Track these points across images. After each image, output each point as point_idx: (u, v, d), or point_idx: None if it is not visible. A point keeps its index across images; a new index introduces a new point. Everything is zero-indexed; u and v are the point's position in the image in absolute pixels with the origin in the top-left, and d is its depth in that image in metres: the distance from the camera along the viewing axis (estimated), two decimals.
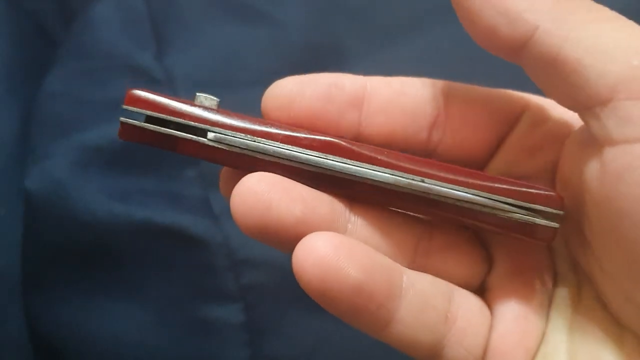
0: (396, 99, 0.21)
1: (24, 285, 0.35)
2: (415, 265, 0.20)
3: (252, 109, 0.35)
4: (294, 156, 0.19)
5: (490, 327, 0.20)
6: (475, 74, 0.37)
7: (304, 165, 0.19)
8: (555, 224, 0.19)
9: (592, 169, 0.18)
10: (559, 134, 0.21)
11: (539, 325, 0.20)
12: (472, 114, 0.22)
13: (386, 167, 0.19)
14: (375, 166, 0.19)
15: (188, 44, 0.36)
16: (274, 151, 0.19)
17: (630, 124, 0.16)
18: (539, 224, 0.19)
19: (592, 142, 0.18)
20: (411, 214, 0.21)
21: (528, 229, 0.19)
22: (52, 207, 0.33)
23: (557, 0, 0.17)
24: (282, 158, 0.19)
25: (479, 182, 0.19)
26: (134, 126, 0.19)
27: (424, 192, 0.19)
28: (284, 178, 0.19)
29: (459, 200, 0.19)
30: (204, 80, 0.35)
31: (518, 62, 0.19)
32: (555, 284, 0.21)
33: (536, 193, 0.19)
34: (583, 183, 0.18)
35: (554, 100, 0.19)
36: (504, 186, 0.19)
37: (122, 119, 0.19)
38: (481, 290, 0.21)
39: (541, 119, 0.22)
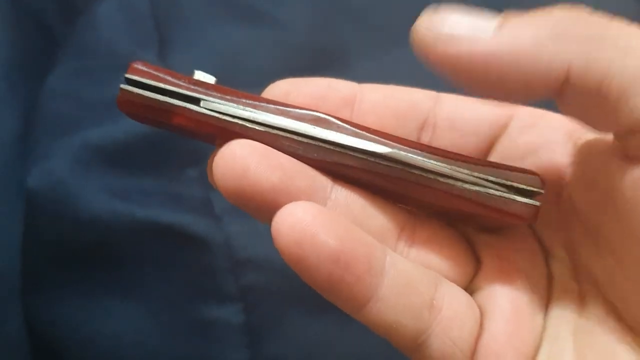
0: (386, 101, 0.21)
1: (23, 284, 0.35)
2: (397, 252, 0.20)
3: None
4: (283, 125, 0.19)
5: (481, 327, 0.20)
6: None
7: (293, 135, 0.19)
8: (536, 202, 0.19)
9: (628, 179, 0.17)
10: (550, 137, 0.21)
11: (532, 327, 0.20)
12: (460, 120, 0.22)
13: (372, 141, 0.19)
14: (361, 139, 0.19)
15: (191, 44, 0.36)
16: (263, 119, 0.19)
17: None
18: (519, 201, 0.19)
19: (626, 155, 0.18)
20: (394, 203, 0.21)
21: (508, 206, 0.19)
22: (53, 206, 0.33)
23: (581, 30, 0.17)
24: (272, 127, 0.19)
25: (459, 158, 0.19)
26: (132, 93, 0.19)
27: (405, 165, 0.19)
28: (267, 146, 0.19)
29: (439, 175, 0.19)
30: None
31: (557, 100, 0.18)
32: (553, 289, 0.21)
33: (515, 172, 0.19)
34: (613, 191, 0.18)
35: (591, 128, 0.19)
36: (483, 164, 0.19)
37: (122, 85, 0.20)
38: (470, 291, 0.21)
39: (530, 124, 0.22)
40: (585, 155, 0.20)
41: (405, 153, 0.19)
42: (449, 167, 0.19)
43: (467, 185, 0.19)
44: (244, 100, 0.20)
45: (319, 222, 0.17)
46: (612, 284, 0.19)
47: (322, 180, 0.19)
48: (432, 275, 0.20)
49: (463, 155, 0.20)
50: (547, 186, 0.20)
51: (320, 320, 0.32)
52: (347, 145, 0.19)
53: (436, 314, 0.19)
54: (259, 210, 0.18)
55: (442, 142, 0.21)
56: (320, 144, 0.19)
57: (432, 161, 0.19)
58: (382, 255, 0.19)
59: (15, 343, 0.35)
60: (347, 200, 0.20)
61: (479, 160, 0.20)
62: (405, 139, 0.20)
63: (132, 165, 0.33)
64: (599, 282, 0.20)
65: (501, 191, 0.19)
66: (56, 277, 0.34)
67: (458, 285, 0.21)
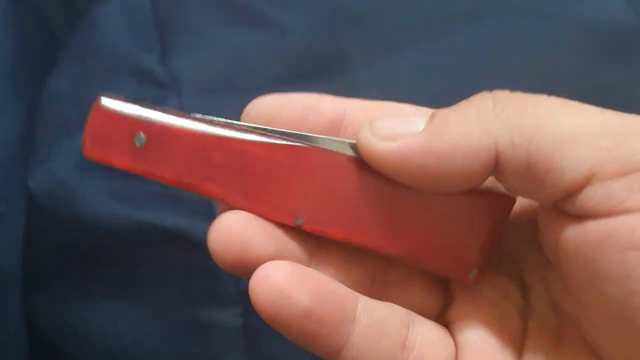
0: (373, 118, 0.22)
1: (23, 284, 0.35)
2: (371, 295, 0.21)
3: None
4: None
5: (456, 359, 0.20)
6: (477, 82, 0.38)
7: None
8: (465, 281, 0.20)
9: (571, 235, 0.18)
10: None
11: (507, 358, 0.20)
12: None
13: None
14: None
15: (193, 47, 0.36)
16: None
17: (612, 199, 0.17)
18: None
19: (566, 214, 0.18)
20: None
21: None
22: (55, 207, 0.33)
23: (500, 110, 0.18)
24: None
25: (395, 256, 0.20)
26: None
27: None
28: (255, 217, 0.19)
29: None
30: (208, 84, 0.35)
31: (497, 178, 0.19)
32: (530, 320, 0.21)
33: (447, 263, 0.20)
34: (561, 246, 0.18)
35: (535, 200, 0.19)
36: (417, 251, 0.20)
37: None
38: (445, 322, 0.21)
39: None
40: (542, 207, 0.21)
41: None
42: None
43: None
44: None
45: (293, 281, 0.18)
46: (582, 322, 0.20)
47: (308, 242, 0.20)
48: (404, 314, 0.20)
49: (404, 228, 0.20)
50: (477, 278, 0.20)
51: None
52: None
53: (409, 353, 0.20)
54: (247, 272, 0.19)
55: None
56: None
57: None
58: (354, 303, 0.19)
59: (14, 343, 0.35)
60: (328, 257, 0.21)
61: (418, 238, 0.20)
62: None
63: None
64: (571, 318, 0.20)
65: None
66: (56, 278, 0.34)
67: (429, 316, 0.21)
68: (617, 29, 0.37)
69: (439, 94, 0.36)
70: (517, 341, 0.21)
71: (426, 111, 0.22)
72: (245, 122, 0.21)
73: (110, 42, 0.37)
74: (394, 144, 0.18)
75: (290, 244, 0.20)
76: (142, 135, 0.19)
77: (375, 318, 0.19)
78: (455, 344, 0.21)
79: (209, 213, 0.32)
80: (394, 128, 0.19)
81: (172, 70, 0.35)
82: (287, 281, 0.18)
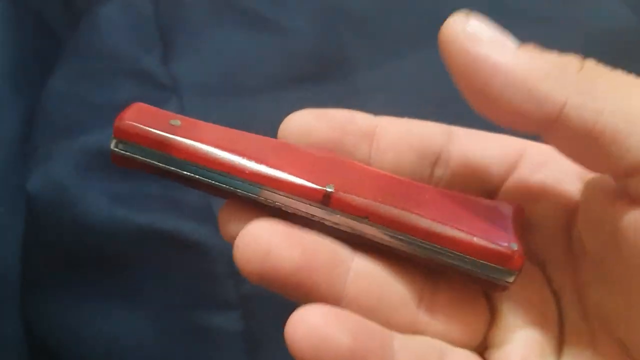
0: (404, 136, 0.22)
1: (22, 286, 0.35)
2: (418, 320, 0.20)
3: (256, 115, 0.35)
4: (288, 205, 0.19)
5: None
6: None
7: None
8: (507, 281, 0.19)
9: (631, 220, 0.18)
10: (560, 177, 0.21)
11: None
12: (472, 156, 0.22)
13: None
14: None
15: (195, 49, 0.36)
16: (258, 195, 0.19)
17: None
18: (488, 280, 0.19)
19: (628, 197, 0.18)
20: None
21: (477, 280, 0.19)
22: (53, 209, 0.33)
23: (582, 73, 0.18)
24: (272, 205, 0.19)
25: (429, 226, 0.19)
26: (124, 155, 0.19)
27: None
28: (286, 224, 0.19)
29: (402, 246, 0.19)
30: (209, 86, 0.35)
31: (546, 137, 0.19)
32: (565, 331, 0.21)
33: (492, 249, 0.19)
34: (618, 232, 0.18)
35: (587, 169, 0.19)
36: (458, 235, 0.19)
37: (112, 147, 0.19)
38: (484, 347, 0.21)
39: (540, 162, 0.22)
40: (592, 195, 0.20)
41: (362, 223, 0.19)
42: (411, 242, 0.19)
43: (450, 262, 0.19)
44: (246, 171, 0.19)
45: (331, 323, 0.18)
46: (622, 323, 0.19)
47: (343, 252, 0.20)
48: (439, 348, 0.20)
49: (440, 212, 0.19)
50: (523, 267, 0.19)
51: None
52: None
53: None
54: (282, 289, 0.19)
55: (455, 178, 0.22)
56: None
57: (391, 238, 0.19)
58: (391, 342, 0.19)
59: (11, 344, 0.35)
60: (369, 269, 0.20)
61: (458, 223, 0.19)
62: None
63: (133, 170, 0.33)
64: (609, 321, 0.20)
65: (470, 267, 0.19)
66: (55, 280, 0.34)
67: (472, 343, 0.21)
68: (619, 33, 0.37)
69: (441, 97, 0.36)
70: (556, 352, 0.20)
71: (448, 129, 0.22)
72: (284, 135, 0.21)
73: (110, 43, 0.37)
74: (477, 46, 0.18)
75: (320, 254, 0.19)
76: (177, 120, 0.20)
77: (411, 354, 0.19)
78: None
79: (209, 216, 0.32)
80: (486, 32, 0.18)
81: (172, 72, 0.35)
82: (325, 323, 0.18)
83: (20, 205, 0.34)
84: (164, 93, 0.34)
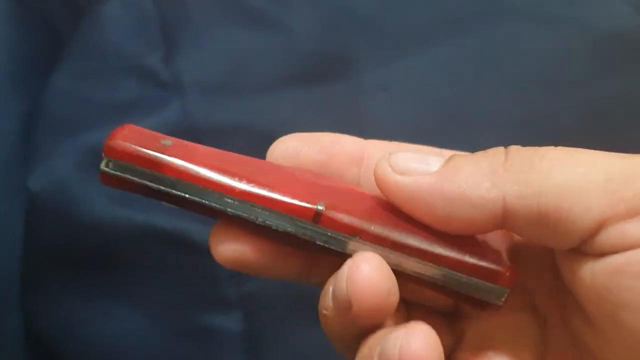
0: None
1: (22, 284, 0.35)
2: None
3: (258, 115, 0.35)
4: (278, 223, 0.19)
5: None
6: (483, 85, 0.37)
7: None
8: (498, 301, 0.19)
9: (588, 268, 0.18)
10: None
11: None
12: None
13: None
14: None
15: (197, 47, 0.36)
16: (249, 214, 0.19)
17: (627, 238, 0.17)
18: (479, 299, 0.19)
19: (584, 253, 0.18)
20: None
21: (468, 299, 0.19)
22: (55, 207, 0.33)
23: (509, 162, 0.18)
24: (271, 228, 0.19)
25: (421, 244, 0.19)
26: (114, 176, 0.19)
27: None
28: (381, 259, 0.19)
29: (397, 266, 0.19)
30: (211, 84, 0.35)
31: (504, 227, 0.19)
32: (548, 354, 0.21)
33: (483, 266, 0.19)
34: (578, 279, 0.18)
35: (548, 247, 0.19)
36: (450, 254, 0.19)
37: (102, 167, 0.19)
38: None
39: None
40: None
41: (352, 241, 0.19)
42: (404, 258, 0.19)
43: (425, 277, 0.19)
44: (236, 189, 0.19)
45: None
46: (602, 353, 0.19)
47: None
48: None
49: (428, 234, 0.19)
50: (513, 286, 0.20)
51: (319, 329, 0.32)
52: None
53: None
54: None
55: None
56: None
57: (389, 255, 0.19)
58: None
59: (11, 343, 0.35)
60: None
61: (445, 243, 0.19)
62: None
63: None
64: (591, 350, 0.20)
65: (461, 286, 0.19)
66: (56, 279, 0.34)
67: None
68: (622, 33, 0.37)
69: (444, 97, 0.36)
70: None
71: (446, 153, 0.22)
72: (272, 157, 0.21)
73: (113, 42, 0.36)
74: (408, 179, 0.19)
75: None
76: (168, 141, 0.20)
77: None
78: None
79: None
80: (410, 163, 0.19)
81: (175, 71, 0.35)
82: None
83: (22, 203, 0.34)
84: (166, 91, 0.34)
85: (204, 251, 0.32)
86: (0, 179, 0.35)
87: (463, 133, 0.34)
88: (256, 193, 0.19)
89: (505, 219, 0.18)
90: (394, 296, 0.18)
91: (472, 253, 0.19)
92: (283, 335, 0.32)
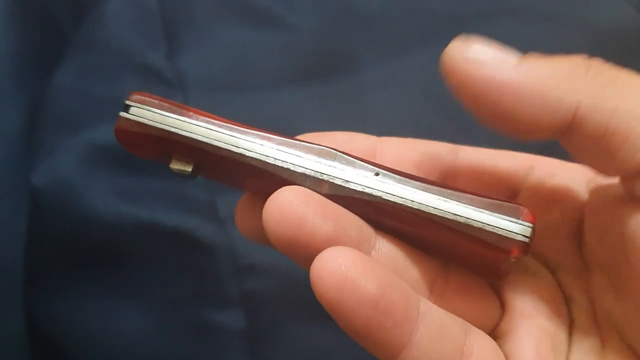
0: (406, 153, 0.22)
1: (25, 281, 0.35)
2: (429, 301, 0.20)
3: (261, 112, 0.35)
4: (306, 166, 0.19)
5: None
6: None
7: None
8: (524, 237, 0.19)
9: (637, 224, 0.18)
10: (569, 186, 0.21)
11: None
12: (481, 170, 0.22)
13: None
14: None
15: (200, 44, 0.36)
16: (274, 159, 0.19)
17: None
18: (506, 236, 0.19)
19: (634, 201, 0.18)
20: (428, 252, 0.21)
21: (492, 241, 0.19)
22: (58, 204, 0.33)
23: (590, 74, 0.18)
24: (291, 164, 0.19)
25: (441, 187, 0.19)
26: (133, 121, 0.19)
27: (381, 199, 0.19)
28: (320, 195, 0.19)
29: (419, 206, 0.19)
30: (214, 81, 0.35)
31: (561, 142, 0.19)
32: (573, 334, 0.21)
33: (501, 204, 0.19)
34: (625, 237, 0.18)
35: (596, 171, 0.19)
36: (468, 194, 0.19)
37: (121, 113, 0.19)
38: (494, 337, 0.21)
39: (550, 173, 0.22)
40: (598, 202, 0.20)
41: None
42: (428, 194, 0.19)
43: (448, 217, 0.19)
44: (276, 139, 0.19)
45: (359, 267, 0.17)
46: (632, 328, 0.19)
47: (368, 230, 0.20)
48: (461, 322, 0.20)
49: (447, 185, 0.19)
50: (536, 222, 0.19)
51: (322, 327, 0.32)
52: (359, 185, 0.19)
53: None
54: (307, 259, 0.18)
55: None
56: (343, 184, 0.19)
57: (408, 191, 0.19)
58: (417, 302, 0.18)
59: (16, 340, 0.35)
60: (389, 250, 0.20)
61: (462, 189, 0.19)
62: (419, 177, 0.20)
63: (138, 165, 0.33)
64: (618, 326, 0.20)
65: (483, 222, 0.19)
66: (59, 276, 0.34)
67: (484, 332, 0.21)
68: (623, 32, 0.37)
69: (447, 94, 0.36)
70: (564, 352, 0.20)
71: (461, 149, 0.22)
72: None
73: (116, 38, 0.37)
74: (481, 69, 0.18)
75: (349, 229, 0.19)
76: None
77: (437, 320, 0.19)
78: (506, 357, 0.20)
79: (213, 213, 0.32)
80: (486, 54, 0.18)
81: (178, 67, 0.35)
82: (354, 266, 0.17)
83: (24, 199, 0.34)
84: (169, 88, 0.34)
85: (207, 249, 0.32)
86: (4, 175, 0.35)
87: (464, 130, 0.34)
88: (277, 136, 0.19)
89: (570, 128, 0.17)
90: (310, 227, 0.18)
91: (492, 197, 0.19)
92: (285, 333, 0.32)
